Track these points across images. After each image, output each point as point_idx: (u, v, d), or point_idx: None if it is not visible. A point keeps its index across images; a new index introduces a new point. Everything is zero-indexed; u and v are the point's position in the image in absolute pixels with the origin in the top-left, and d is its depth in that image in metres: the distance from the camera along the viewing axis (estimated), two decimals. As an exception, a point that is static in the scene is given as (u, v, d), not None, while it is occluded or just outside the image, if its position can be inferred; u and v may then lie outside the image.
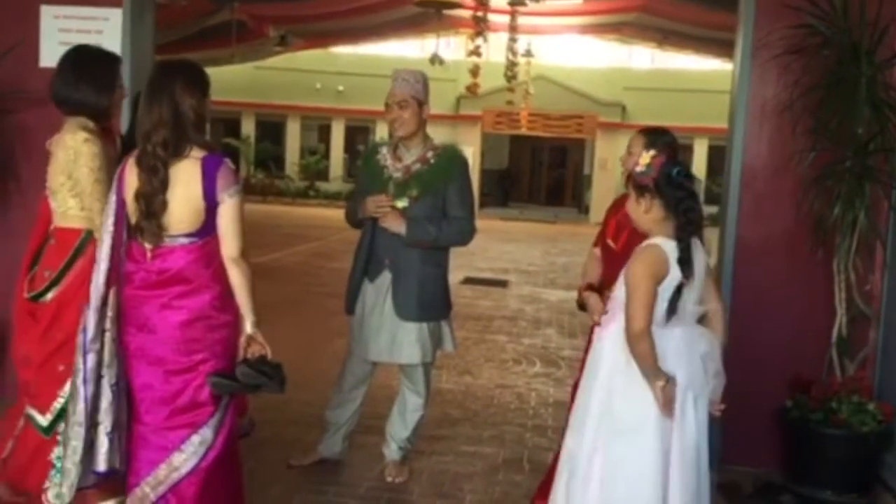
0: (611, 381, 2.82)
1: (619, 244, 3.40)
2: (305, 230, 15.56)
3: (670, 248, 2.75)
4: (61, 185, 3.45)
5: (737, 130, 4.43)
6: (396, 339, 3.88)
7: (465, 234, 3.95)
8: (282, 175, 25.97)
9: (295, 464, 4.17)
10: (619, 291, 2.87)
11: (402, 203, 3.83)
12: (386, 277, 3.89)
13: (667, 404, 2.71)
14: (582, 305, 3.39)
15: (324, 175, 26.28)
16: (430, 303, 3.91)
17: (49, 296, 3.45)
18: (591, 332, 3.71)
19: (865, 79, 4.00)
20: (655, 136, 3.49)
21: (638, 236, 2.97)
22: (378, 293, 3.90)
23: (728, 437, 4.44)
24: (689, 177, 2.88)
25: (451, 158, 3.98)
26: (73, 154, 3.40)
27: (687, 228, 2.75)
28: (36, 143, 4.70)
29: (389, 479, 4.07)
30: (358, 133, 25.94)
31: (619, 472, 2.75)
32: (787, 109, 4.14)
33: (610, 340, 2.87)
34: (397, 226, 3.79)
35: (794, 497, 4.01)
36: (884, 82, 4.08)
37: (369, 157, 4.08)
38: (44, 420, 3.44)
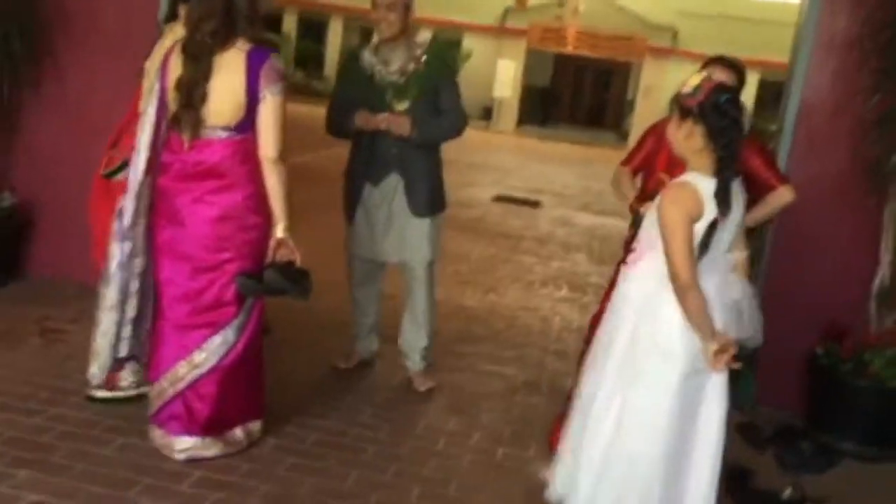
0: (637, 324, 2.68)
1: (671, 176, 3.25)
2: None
3: (704, 185, 2.57)
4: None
5: (799, 62, 4.22)
6: (404, 238, 3.92)
7: (462, 127, 3.98)
8: (321, 76, 25.65)
9: (341, 366, 4.23)
10: (648, 230, 2.72)
11: (403, 105, 3.81)
12: (392, 179, 3.86)
13: (718, 365, 2.61)
14: (639, 221, 3.29)
15: (363, 78, 25.88)
16: (438, 196, 4.00)
17: (120, 175, 3.41)
18: (617, 267, 3.64)
19: (944, 19, 3.76)
20: (730, 64, 3.34)
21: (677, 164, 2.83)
22: (383, 195, 3.88)
23: (758, 378, 4.39)
24: (739, 107, 2.70)
25: (442, 55, 4.07)
26: None
27: (726, 162, 2.58)
28: (74, 22, 4.63)
29: (421, 388, 4.10)
30: (400, 38, 25.42)
31: (637, 420, 2.65)
32: (856, 45, 3.92)
33: (637, 281, 2.73)
34: (406, 130, 3.76)
35: (814, 444, 3.95)
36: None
37: (351, 63, 3.98)
38: None
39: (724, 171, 2.58)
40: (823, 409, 4.13)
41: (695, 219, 2.57)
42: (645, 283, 2.70)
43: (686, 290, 2.54)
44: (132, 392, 3.44)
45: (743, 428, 4.11)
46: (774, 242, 4.18)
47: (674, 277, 2.56)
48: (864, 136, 3.92)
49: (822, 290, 4.24)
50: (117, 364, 3.37)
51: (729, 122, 2.58)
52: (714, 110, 2.58)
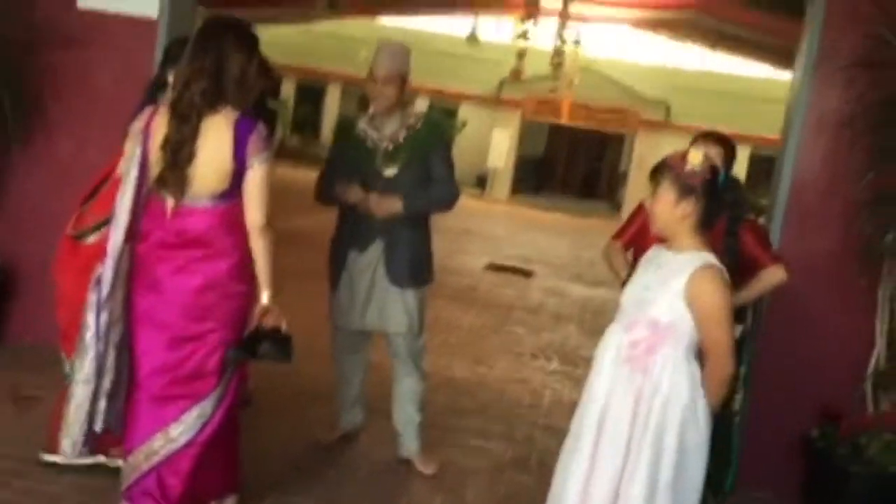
0: (676, 418, 2.59)
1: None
2: (334, 199, 15.71)
3: (718, 262, 2.55)
4: None
5: (791, 140, 4.22)
6: (385, 308, 3.84)
7: (453, 198, 3.93)
8: (317, 141, 25.87)
9: (324, 441, 4.12)
10: (666, 315, 2.63)
11: (392, 171, 3.79)
12: (376, 246, 3.81)
13: None
14: None
15: (359, 145, 26.12)
16: (422, 267, 3.93)
17: (91, 239, 3.35)
18: None
19: (936, 100, 3.78)
20: (723, 141, 3.33)
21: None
22: (367, 262, 3.83)
23: (748, 460, 4.27)
24: (739, 185, 2.68)
25: (435, 124, 4.05)
26: None
27: (733, 237, 2.55)
28: (66, 85, 4.63)
29: (427, 472, 3.98)
30: (396, 106, 25.73)
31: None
32: (847, 125, 3.92)
33: (668, 375, 2.61)
34: (393, 208, 3.74)
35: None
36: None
37: (345, 132, 3.96)
38: (68, 365, 3.34)
39: (729, 250, 2.54)
40: (819, 493, 4.01)
41: (731, 301, 2.56)
42: (678, 380, 2.60)
43: (728, 381, 2.55)
44: (116, 464, 3.29)
45: (736, 511, 3.98)
46: (767, 321, 4.12)
47: (721, 366, 2.54)
48: (856, 215, 3.90)
49: (816, 371, 4.17)
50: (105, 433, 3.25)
51: (733, 200, 2.56)
52: (719, 190, 2.56)
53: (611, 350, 2.76)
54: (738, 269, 2.75)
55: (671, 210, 2.61)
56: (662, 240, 2.77)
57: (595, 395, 2.76)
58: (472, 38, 13.98)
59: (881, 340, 3.99)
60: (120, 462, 3.18)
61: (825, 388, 4.15)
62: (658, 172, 2.66)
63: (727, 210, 2.58)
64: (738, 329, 3.42)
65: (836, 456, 3.89)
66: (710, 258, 2.58)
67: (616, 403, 2.68)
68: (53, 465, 3.33)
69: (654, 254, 2.76)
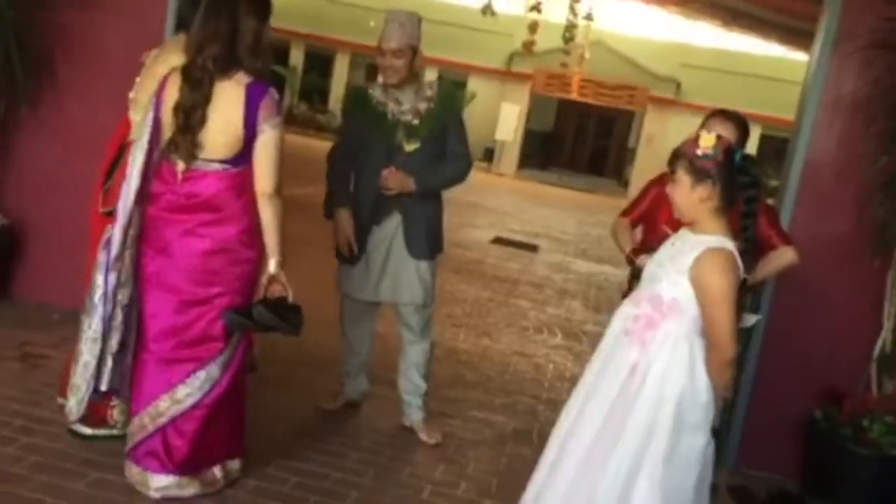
0: (672, 396, 2.58)
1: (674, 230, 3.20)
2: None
3: (733, 247, 2.54)
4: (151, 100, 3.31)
5: (805, 122, 4.18)
6: (399, 280, 3.85)
7: (466, 171, 3.93)
8: (325, 109, 25.76)
9: (327, 407, 4.14)
10: (669, 292, 2.63)
11: (414, 145, 3.77)
12: (394, 219, 3.81)
13: None
14: (639, 272, 3.23)
15: (367, 114, 25.98)
16: (436, 239, 3.94)
17: None
18: None
19: (953, 84, 3.74)
20: (735, 119, 3.30)
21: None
22: (384, 235, 3.83)
23: (748, 439, 4.30)
24: (754, 163, 2.66)
25: (450, 96, 4.01)
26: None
27: (750, 220, 2.53)
28: (76, 44, 4.59)
29: (431, 442, 3.99)
30: (405, 77, 25.56)
31: (666, 496, 2.59)
32: (863, 107, 3.89)
33: (665, 352, 2.61)
34: (407, 186, 3.73)
35: (809, 510, 3.85)
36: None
37: (360, 102, 3.89)
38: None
39: (747, 230, 2.53)
40: (820, 474, 4.03)
41: (736, 286, 2.52)
42: (678, 357, 2.60)
43: (730, 366, 2.53)
44: (118, 431, 3.31)
45: (736, 491, 4.01)
46: (775, 302, 4.11)
47: (721, 351, 2.52)
48: (869, 198, 3.87)
49: (822, 353, 4.16)
50: (104, 397, 3.26)
51: (749, 180, 2.54)
52: (735, 171, 2.54)
53: (618, 322, 2.78)
54: (756, 250, 2.74)
55: (689, 196, 2.60)
56: (674, 218, 2.77)
57: (594, 362, 2.79)
58: (488, 9, 13.76)
59: (888, 323, 3.98)
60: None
61: (830, 370, 4.15)
62: (674, 160, 2.65)
63: (744, 190, 2.56)
64: (754, 319, 3.42)
65: (838, 437, 3.90)
66: (724, 241, 2.57)
67: (610, 372, 2.70)
68: (69, 429, 3.35)
69: (678, 234, 2.76)
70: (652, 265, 2.76)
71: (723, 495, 3.88)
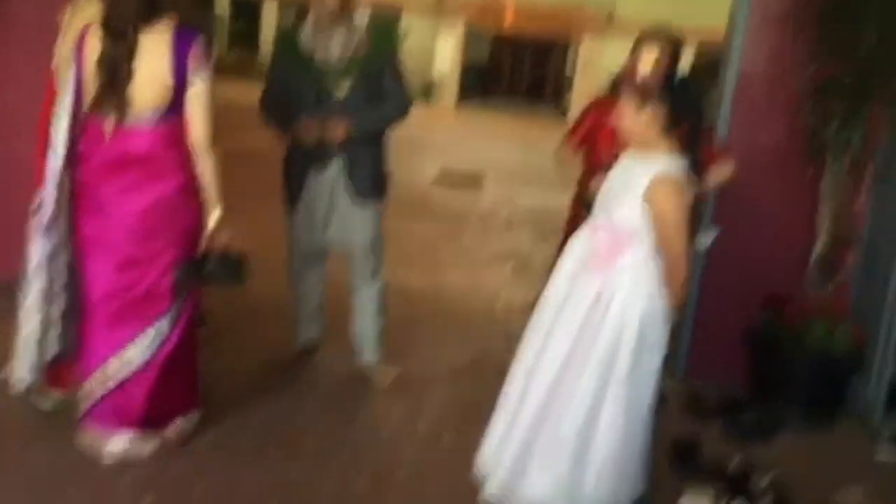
0: (634, 321, 2.66)
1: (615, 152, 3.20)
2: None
3: (682, 167, 2.58)
4: None
5: (736, 35, 4.19)
6: (346, 224, 3.81)
7: (404, 110, 3.85)
8: (256, 55, 25.11)
9: (282, 357, 4.11)
10: (626, 220, 2.67)
11: (342, 92, 3.66)
12: (335, 164, 3.74)
13: None
14: (590, 200, 3.25)
15: (300, 58, 25.46)
16: (382, 181, 3.90)
17: None
18: (561, 246, 3.60)
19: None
20: (668, 39, 3.30)
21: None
22: (326, 180, 3.76)
23: (695, 350, 4.41)
24: (694, 80, 2.70)
25: (384, 37, 3.87)
26: None
27: (693, 137, 2.58)
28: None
29: (385, 384, 4.00)
30: (337, 16, 25.03)
31: (631, 415, 2.70)
32: (792, 16, 3.91)
33: (628, 278, 2.67)
34: (342, 135, 3.64)
35: (758, 415, 3.98)
36: (893, -4, 3.84)
37: (287, 44, 3.78)
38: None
39: (692, 147, 2.58)
40: (766, 380, 4.16)
41: (688, 207, 2.61)
42: (638, 278, 2.67)
43: (686, 283, 2.67)
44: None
45: (687, 400, 4.12)
46: (713, 213, 4.18)
47: (677, 271, 2.62)
48: (800, 107, 3.92)
49: (762, 261, 4.26)
50: (59, 363, 3.18)
51: (692, 97, 2.58)
52: (675, 91, 2.58)
53: (575, 253, 2.81)
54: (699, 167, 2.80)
55: (636, 120, 2.65)
56: (616, 139, 2.79)
57: (553, 294, 2.82)
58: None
59: (824, 227, 4.07)
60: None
61: (772, 277, 4.25)
62: (616, 88, 2.68)
63: (685, 111, 2.60)
64: (713, 235, 3.50)
65: (781, 341, 4.02)
66: (672, 164, 2.61)
67: (572, 303, 2.73)
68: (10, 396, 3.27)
69: (626, 160, 2.78)
70: (605, 192, 2.79)
71: (673, 406, 3.98)
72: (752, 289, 4.24)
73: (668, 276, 2.64)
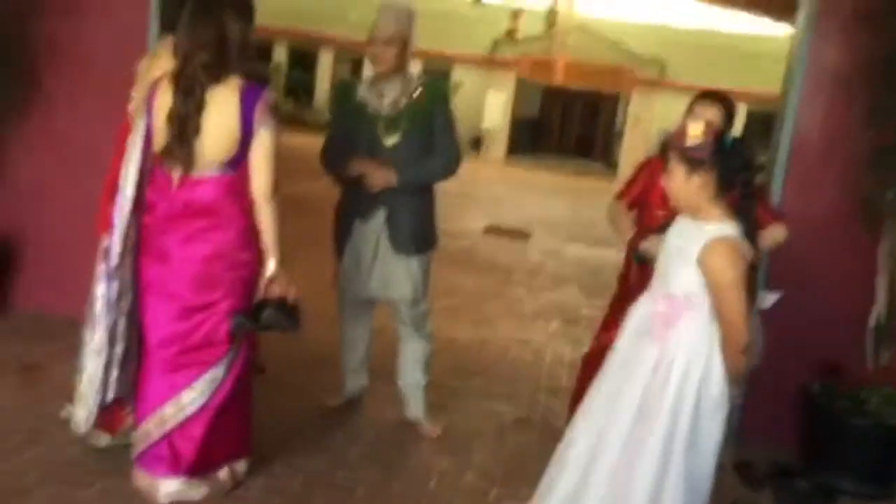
0: (692, 389, 2.63)
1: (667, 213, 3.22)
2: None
3: (737, 232, 2.56)
4: None
5: (791, 97, 4.20)
6: (389, 276, 3.84)
7: (453, 166, 3.88)
8: (311, 105, 25.67)
9: (330, 404, 4.17)
10: (682, 289, 2.66)
11: (392, 140, 3.74)
12: (380, 215, 3.79)
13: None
14: (643, 258, 3.25)
15: (353, 109, 25.90)
16: (425, 234, 3.92)
17: None
18: (615, 304, 3.59)
19: (936, 55, 3.76)
20: (720, 102, 3.32)
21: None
22: (371, 231, 3.82)
23: (748, 413, 4.33)
24: (745, 144, 2.69)
25: (437, 90, 3.93)
26: None
27: (748, 201, 2.56)
28: (61, 54, 4.58)
29: (432, 436, 4.01)
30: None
31: (691, 484, 2.66)
32: (848, 80, 3.91)
33: (685, 344, 2.65)
34: (387, 182, 3.70)
35: (811, 483, 3.89)
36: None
37: (345, 97, 3.89)
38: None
39: (747, 213, 2.56)
40: (820, 447, 4.07)
41: (744, 271, 2.56)
42: (697, 349, 2.64)
43: (745, 350, 2.55)
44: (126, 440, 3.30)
45: (739, 466, 4.05)
46: (768, 277, 4.14)
47: (735, 338, 2.56)
48: (857, 172, 3.90)
49: (818, 327, 4.20)
50: (115, 405, 3.26)
51: (743, 162, 2.57)
52: (728, 156, 2.56)
53: (634, 320, 2.81)
54: (753, 231, 2.79)
55: (685, 186, 2.63)
56: (668, 200, 2.79)
57: (612, 363, 2.82)
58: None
59: (882, 295, 4.01)
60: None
61: (826, 343, 4.18)
62: (665, 151, 2.68)
63: (738, 173, 2.59)
64: (774, 297, 3.46)
65: (836, 409, 3.94)
66: (726, 228, 2.59)
67: (632, 373, 2.72)
68: (68, 435, 3.34)
69: (680, 224, 2.77)
70: (661, 260, 2.79)
71: (728, 472, 3.91)
72: (807, 353, 4.18)
73: (726, 342, 2.60)
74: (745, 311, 2.53)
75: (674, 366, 2.65)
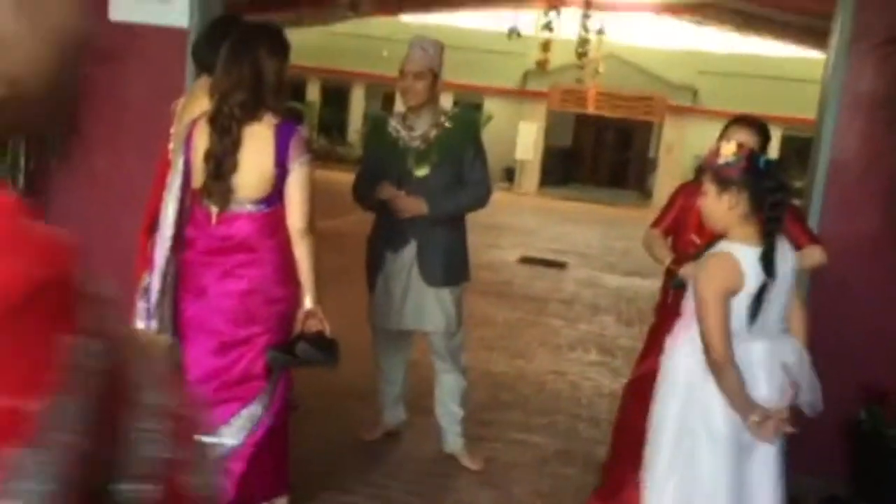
0: (685, 407, 2.62)
1: (703, 239, 3.20)
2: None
3: (744, 254, 2.52)
4: None
5: (826, 122, 4.16)
6: (421, 308, 3.85)
7: (484, 198, 3.91)
8: (344, 142, 25.98)
9: (367, 438, 4.17)
10: (690, 300, 2.67)
11: (422, 171, 3.77)
12: (411, 247, 3.82)
13: (765, 435, 2.56)
14: (681, 284, 3.22)
15: (386, 144, 26.18)
16: (456, 266, 3.92)
17: None
18: (653, 332, 3.56)
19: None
20: (756, 125, 3.31)
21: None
22: (402, 263, 3.84)
23: (793, 444, 4.24)
24: (780, 166, 2.67)
25: (467, 122, 3.98)
26: None
27: (774, 224, 2.53)
28: (100, 98, 4.68)
29: (473, 468, 4.00)
30: (422, 103, 25.75)
31: (695, 491, 2.58)
32: (883, 104, 3.86)
33: (684, 356, 2.64)
34: (418, 210, 3.74)
35: (862, 514, 3.79)
36: None
37: (377, 130, 3.96)
38: None
39: (771, 235, 2.54)
40: (869, 476, 3.97)
41: (734, 292, 2.51)
42: (687, 360, 2.62)
43: (720, 367, 2.49)
44: None
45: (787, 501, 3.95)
46: (809, 303, 4.07)
47: (708, 353, 2.51)
48: (894, 195, 3.85)
49: (862, 352, 4.11)
50: None
51: (775, 184, 2.55)
52: (759, 176, 2.54)
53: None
54: None
55: (717, 206, 2.61)
56: (702, 224, 2.78)
57: (672, 398, 2.80)
58: (514, 32, 13.96)
59: (927, 320, 3.93)
60: None
61: (869, 369, 4.09)
62: (699, 173, 2.68)
63: (771, 194, 2.58)
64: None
65: (885, 437, 3.85)
66: (732, 246, 2.56)
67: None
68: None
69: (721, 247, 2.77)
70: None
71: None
72: (852, 380, 4.09)
73: (709, 365, 2.55)
74: (721, 329, 2.48)
75: (672, 384, 2.66)
